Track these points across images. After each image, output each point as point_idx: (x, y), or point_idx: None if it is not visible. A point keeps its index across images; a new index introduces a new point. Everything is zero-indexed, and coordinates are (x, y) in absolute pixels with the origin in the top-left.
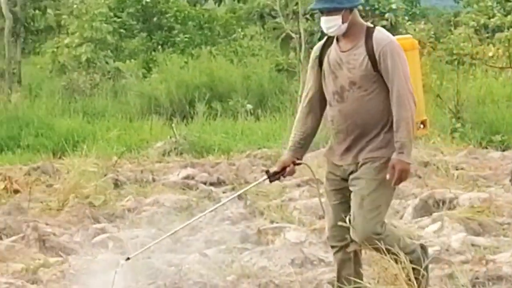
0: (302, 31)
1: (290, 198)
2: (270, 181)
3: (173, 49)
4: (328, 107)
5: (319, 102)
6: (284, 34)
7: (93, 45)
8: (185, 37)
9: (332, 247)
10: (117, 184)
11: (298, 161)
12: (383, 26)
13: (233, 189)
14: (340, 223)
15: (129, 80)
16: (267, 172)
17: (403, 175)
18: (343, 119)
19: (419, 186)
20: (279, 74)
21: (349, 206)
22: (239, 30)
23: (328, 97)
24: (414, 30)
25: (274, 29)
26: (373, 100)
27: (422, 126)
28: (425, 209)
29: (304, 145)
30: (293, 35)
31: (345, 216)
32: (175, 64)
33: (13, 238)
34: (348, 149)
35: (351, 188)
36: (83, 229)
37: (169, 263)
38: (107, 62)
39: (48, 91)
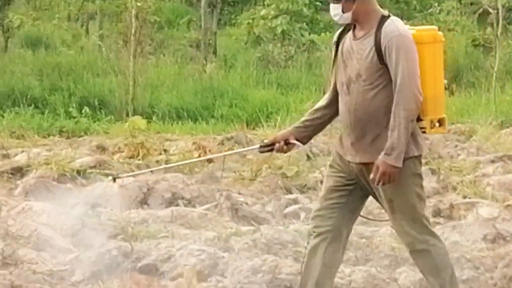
0: (500, 6)
1: (483, 173)
2: (260, 152)
3: None
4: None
5: None
6: (481, 10)
7: (289, 17)
8: None
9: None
10: (309, 156)
11: (292, 141)
12: None
13: (426, 163)
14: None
15: (323, 52)
16: (262, 142)
17: (385, 178)
18: (347, 113)
19: None
20: (475, 49)
21: (344, 204)
22: (436, 4)
23: (338, 87)
24: None
25: (471, 4)
26: (378, 95)
27: (438, 124)
28: None
29: (310, 129)
30: (490, 10)
31: (333, 212)
32: None
33: (206, 206)
34: (352, 145)
35: (377, 193)
36: (275, 199)
37: (360, 235)
38: (302, 35)
39: (243, 62)
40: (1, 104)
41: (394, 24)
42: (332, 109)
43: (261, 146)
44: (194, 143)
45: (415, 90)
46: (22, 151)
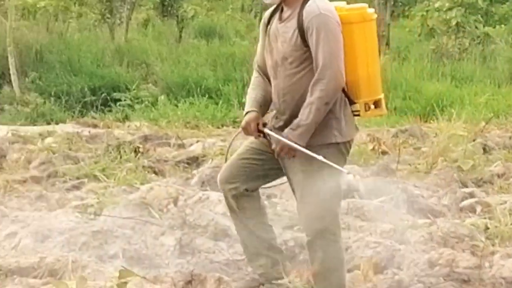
0: None
1: None
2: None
3: None
4: None
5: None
6: None
7: (464, 9)
8: None
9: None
10: (485, 149)
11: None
12: None
13: None
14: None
15: (498, 45)
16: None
17: (284, 151)
18: (276, 97)
19: None
20: None
21: (258, 176)
22: None
23: (268, 71)
24: None
25: None
26: (304, 78)
27: (373, 106)
28: None
29: (263, 110)
30: None
31: (244, 174)
32: None
33: (382, 198)
34: (281, 129)
35: (289, 176)
36: (451, 192)
37: None
38: (476, 27)
39: (416, 55)
40: (175, 94)
41: (315, 3)
42: (268, 88)
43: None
44: (368, 135)
45: (336, 72)
46: (197, 141)
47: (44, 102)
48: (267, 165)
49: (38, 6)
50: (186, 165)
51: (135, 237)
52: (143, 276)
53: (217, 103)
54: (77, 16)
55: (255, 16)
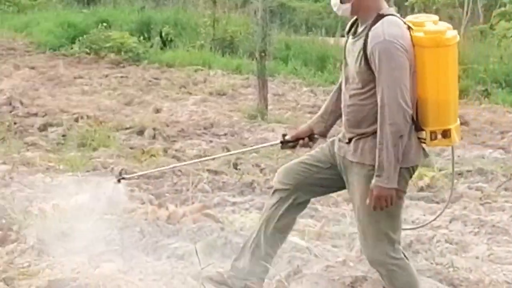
0: None
1: None
2: (282, 148)
3: None
4: None
5: None
6: None
7: None
8: None
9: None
10: None
11: (316, 136)
12: None
13: None
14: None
15: None
16: (283, 135)
17: (381, 202)
18: (343, 111)
19: None
20: None
21: (310, 184)
22: None
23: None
24: None
25: None
26: (368, 101)
27: (440, 136)
28: None
29: (326, 120)
30: None
31: (302, 175)
32: None
33: None
34: (342, 141)
35: (348, 191)
36: None
37: None
38: None
39: None
40: None
41: (381, 27)
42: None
43: (282, 142)
44: None
45: (401, 102)
46: None
47: None
48: (322, 174)
49: None
50: None
51: None
52: None
53: None
54: None
55: None
